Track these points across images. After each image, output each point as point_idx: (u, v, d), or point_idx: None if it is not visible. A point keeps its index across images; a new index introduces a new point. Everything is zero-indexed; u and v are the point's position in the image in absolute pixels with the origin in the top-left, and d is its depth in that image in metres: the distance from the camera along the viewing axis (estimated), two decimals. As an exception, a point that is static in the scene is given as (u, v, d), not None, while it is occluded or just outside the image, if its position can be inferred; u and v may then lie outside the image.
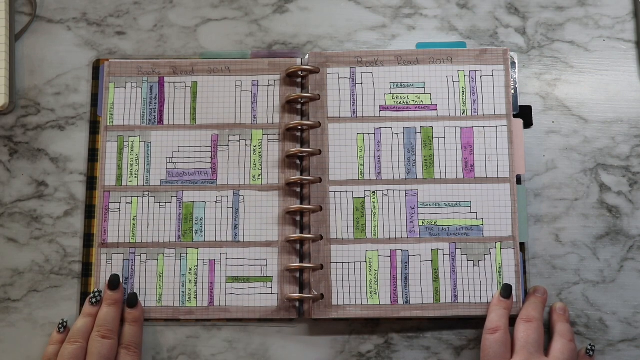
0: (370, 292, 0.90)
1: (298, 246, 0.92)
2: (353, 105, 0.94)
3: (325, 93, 0.94)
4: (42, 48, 0.99)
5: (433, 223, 0.91)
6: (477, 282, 0.90)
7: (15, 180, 0.95)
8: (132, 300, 0.90)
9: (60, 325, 0.89)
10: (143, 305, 0.91)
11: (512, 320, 0.87)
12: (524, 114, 0.94)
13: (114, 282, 0.90)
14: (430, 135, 0.93)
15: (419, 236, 0.91)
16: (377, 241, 0.91)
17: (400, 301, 0.90)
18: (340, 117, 0.94)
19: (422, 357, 0.90)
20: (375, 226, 0.91)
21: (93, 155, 0.95)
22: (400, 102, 0.94)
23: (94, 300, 0.89)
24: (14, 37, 0.98)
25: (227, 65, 0.96)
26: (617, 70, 0.96)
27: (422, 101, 0.94)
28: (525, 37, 0.97)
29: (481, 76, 0.94)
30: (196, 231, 0.92)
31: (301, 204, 0.93)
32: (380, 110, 0.94)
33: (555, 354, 0.84)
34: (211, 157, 0.94)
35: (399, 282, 0.90)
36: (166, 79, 0.96)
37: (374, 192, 0.92)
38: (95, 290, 0.90)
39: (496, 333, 0.84)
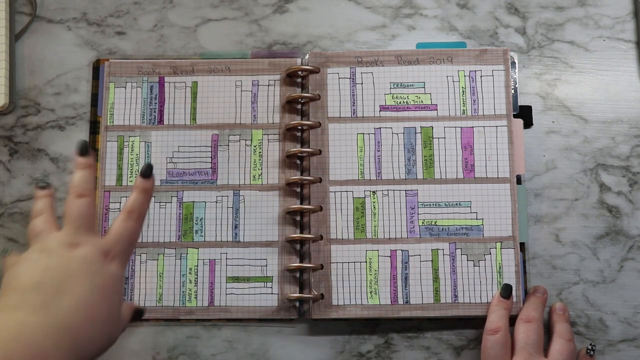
0: (370, 292, 0.90)
1: (298, 246, 0.92)
2: (353, 105, 0.94)
3: (325, 93, 0.94)
4: (42, 48, 0.99)
5: (433, 223, 0.91)
6: (477, 282, 0.90)
7: (15, 180, 0.95)
8: (146, 171, 0.81)
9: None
10: (143, 305, 0.91)
11: (512, 320, 0.87)
12: (524, 114, 0.94)
13: (82, 148, 0.80)
14: (430, 135, 0.93)
15: (419, 236, 0.91)
16: (377, 241, 0.91)
17: (400, 301, 0.90)
18: (340, 117, 0.94)
19: (422, 357, 0.90)
20: (375, 226, 0.91)
21: (93, 155, 0.95)
22: (400, 102, 0.94)
23: (42, 184, 0.81)
24: (14, 37, 0.98)
25: (227, 65, 0.96)
26: (617, 70, 0.96)
27: (422, 101, 0.94)
28: (525, 37, 0.97)
29: (481, 76, 0.94)
30: (196, 231, 0.92)
31: (301, 204, 0.93)
32: (380, 110, 0.94)
33: (554, 354, 0.84)
34: (211, 157, 0.94)
35: (399, 282, 0.90)
36: (166, 78, 0.96)
37: (374, 192, 0.92)
38: (39, 175, 0.82)
39: (496, 334, 0.84)
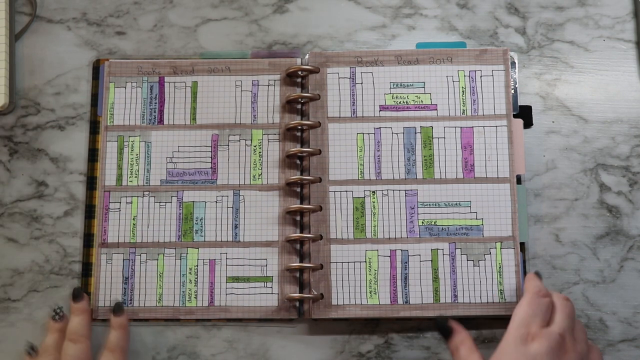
0: (370, 292, 0.90)
1: (298, 246, 0.92)
2: (353, 105, 0.94)
3: (325, 93, 0.94)
4: (42, 48, 0.99)
5: (433, 223, 0.91)
6: (477, 282, 0.90)
7: (15, 180, 0.95)
8: (117, 308, 0.89)
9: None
10: (143, 305, 0.91)
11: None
12: (524, 114, 0.94)
13: (77, 294, 0.90)
14: (430, 135, 0.93)
15: (418, 236, 0.91)
16: (377, 241, 0.91)
17: (400, 301, 0.90)
18: (340, 117, 0.94)
19: (422, 357, 0.90)
20: (375, 226, 0.91)
21: (93, 155, 0.95)
22: (400, 102, 0.94)
23: (57, 317, 0.89)
24: (14, 37, 0.98)
25: (227, 65, 0.96)
26: (617, 70, 0.96)
27: (422, 101, 0.94)
28: (525, 37, 0.97)
29: (481, 76, 0.94)
30: (196, 231, 0.92)
31: (301, 203, 0.93)
32: (380, 110, 0.94)
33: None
34: (211, 157, 0.94)
35: (399, 282, 0.90)
36: (166, 78, 0.96)
37: (373, 192, 0.92)
38: (56, 307, 0.89)
39: (546, 298, 0.82)
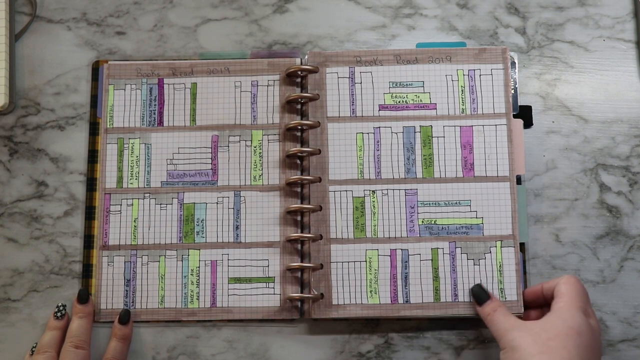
0: (370, 292, 0.90)
1: (299, 246, 0.92)
2: (352, 104, 0.94)
3: (324, 93, 0.94)
4: (42, 48, 0.99)
5: (433, 222, 0.91)
6: (478, 280, 0.90)
7: (15, 180, 0.95)
8: (124, 317, 0.90)
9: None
10: (145, 307, 0.91)
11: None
12: (524, 114, 0.94)
13: (83, 296, 0.90)
14: (430, 134, 0.93)
15: (418, 235, 0.91)
16: (377, 240, 0.91)
17: (401, 300, 0.90)
18: (339, 117, 0.94)
19: (422, 357, 0.91)
20: (375, 225, 0.91)
21: (93, 156, 0.95)
22: (399, 102, 0.94)
23: (59, 314, 0.90)
24: (14, 37, 0.98)
25: (227, 65, 0.96)
26: (617, 70, 0.96)
27: (421, 100, 0.94)
28: (525, 37, 0.97)
29: (480, 75, 0.94)
30: (197, 232, 0.92)
31: (301, 203, 0.93)
32: (379, 110, 0.94)
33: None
34: (211, 158, 0.94)
35: (399, 282, 0.90)
36: (165, 80, 0.95)
37: (373, 191, 0.92)
38: (60, 304, 0.91)
39: None
